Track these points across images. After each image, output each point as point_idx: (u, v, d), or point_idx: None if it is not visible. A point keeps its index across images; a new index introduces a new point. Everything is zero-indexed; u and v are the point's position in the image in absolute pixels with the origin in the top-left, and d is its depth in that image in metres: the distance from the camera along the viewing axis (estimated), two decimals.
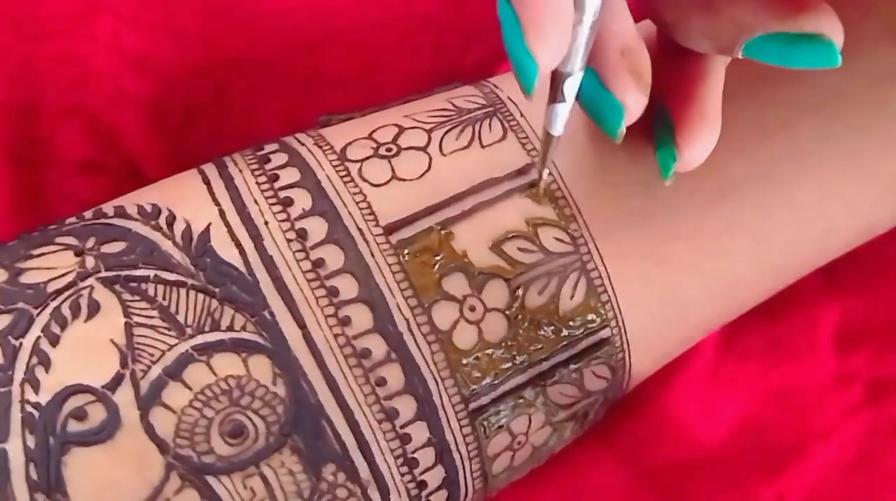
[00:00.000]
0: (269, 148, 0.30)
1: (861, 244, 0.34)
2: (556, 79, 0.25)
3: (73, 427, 0.25)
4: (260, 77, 0.36)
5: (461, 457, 0.28)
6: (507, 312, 0.28)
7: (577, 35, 0.24)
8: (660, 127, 0.28)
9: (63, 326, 0.26)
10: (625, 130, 0.26)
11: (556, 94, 0.26)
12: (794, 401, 0.35)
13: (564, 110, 0.26)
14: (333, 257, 0.27)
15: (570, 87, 0.25)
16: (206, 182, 0.29)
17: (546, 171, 0.28)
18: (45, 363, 0.25)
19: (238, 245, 0.27)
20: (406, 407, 0.27)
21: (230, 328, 0.26)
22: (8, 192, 0.34)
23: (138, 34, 0.35)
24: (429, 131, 0.30)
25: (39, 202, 0.35)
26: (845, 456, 0.35)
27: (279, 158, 0.29)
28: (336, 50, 0.36)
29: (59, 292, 0.26)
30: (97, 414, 0.25)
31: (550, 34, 0.22)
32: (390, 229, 0.28)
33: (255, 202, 0.28)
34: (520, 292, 0.28)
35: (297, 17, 0.36)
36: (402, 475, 0.27)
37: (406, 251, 0.28)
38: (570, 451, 0.33)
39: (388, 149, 0.29)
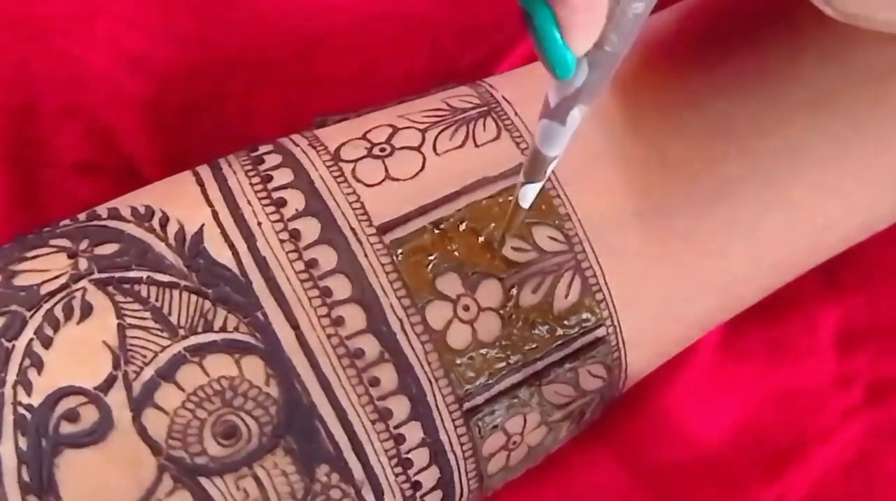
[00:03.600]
0: (263, 149, 0.30)
1: (860, 241, 0.33)
2: (541, 162, 0.25)
3: (66, 428, 0.25)
4: (257, 77, 0.36)
5: (456, 458, 0.28)
6: (501, 311, 0.28)
7: (572, 123, 0.23)
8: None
9: (56, 328, 0.26)
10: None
11: (536, 175, 0.25)
12: (794, 402, 0.35)
13: (537, 188, 0.26)
14: (327, 257, 0.27)
15: (551, 169, 0.25)
16: (200, 183, 0.29)
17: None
18: (38, 365, 0.25)
19: (231, 246, 0.27)
20: (400, 407, 0.27)
21: (223, 329, 0.26)
22: (5, 193, 0.35)
23: (136, 35, 0.35)
24: (423, 131, 0.30)
25: (37, 202, 0.35)
26: (845, 457, 0.34)
27: (273, 159, 0.29)
28: (333, 50, 0.36)
29: (52, 294, 0.26)
30: (89, 415, 0.25)
31: (591, 29, 0.21)
32: (384, 229, 0.28)
33: (249, 203, 0.28)
34: (514, 291, 0.28)
35: (294, 17, 0.36)
36: (397, 475, 0.27)
37: (399, 251, 0.28)
38: (568, 451, 0.32)
39: (382, 149, 0.29)
